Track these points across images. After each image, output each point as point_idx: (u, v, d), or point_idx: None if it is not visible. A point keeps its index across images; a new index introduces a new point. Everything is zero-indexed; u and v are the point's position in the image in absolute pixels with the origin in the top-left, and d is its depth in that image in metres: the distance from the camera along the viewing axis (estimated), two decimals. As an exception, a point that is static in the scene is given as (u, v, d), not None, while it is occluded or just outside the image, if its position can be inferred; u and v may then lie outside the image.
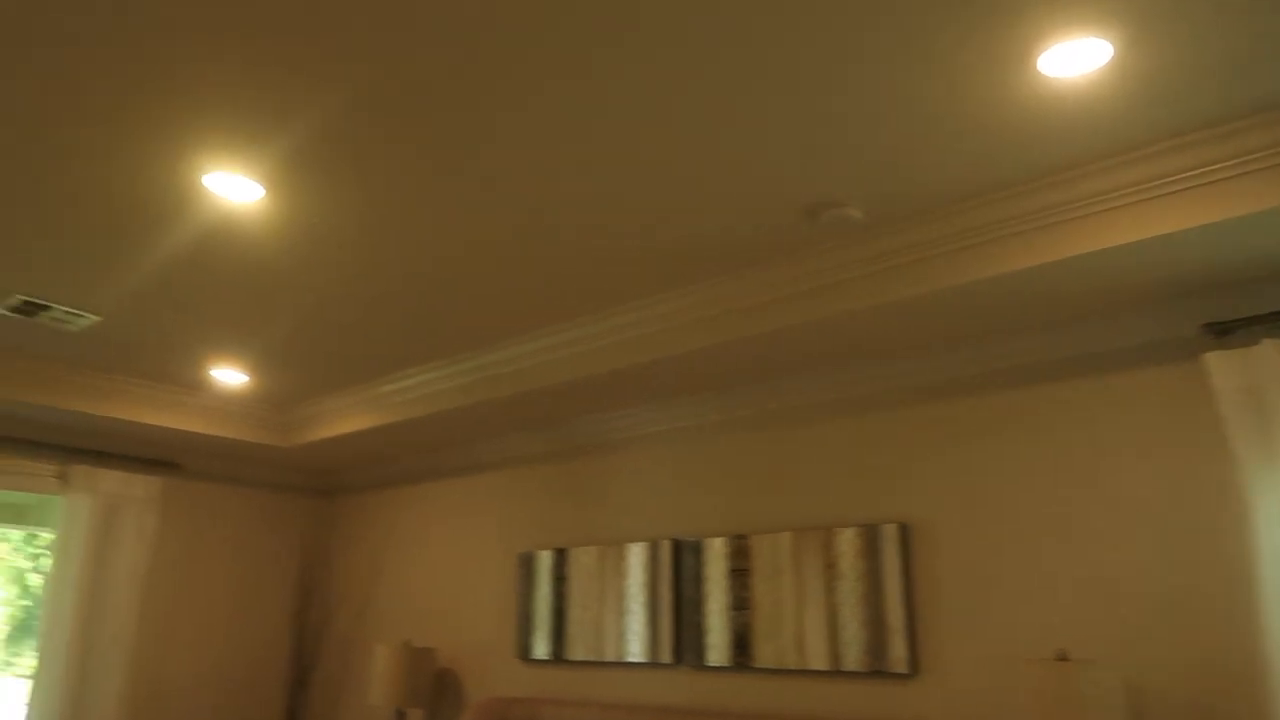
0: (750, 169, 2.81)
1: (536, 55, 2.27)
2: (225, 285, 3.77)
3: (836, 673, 3.75)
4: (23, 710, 5.04)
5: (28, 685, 5.15)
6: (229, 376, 4.95)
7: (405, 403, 4.91)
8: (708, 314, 3.70)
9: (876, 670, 3.62)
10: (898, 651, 3.58)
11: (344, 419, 5.25)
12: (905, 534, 3.70)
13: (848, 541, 3.82)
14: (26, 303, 3.99)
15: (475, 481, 5.46)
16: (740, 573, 4.10)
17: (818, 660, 3.78)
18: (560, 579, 4.79)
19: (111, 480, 5.38)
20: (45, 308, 4.04)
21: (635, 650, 4.38)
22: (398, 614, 5.66)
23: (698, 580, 4.25)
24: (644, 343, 3.90)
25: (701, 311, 3.71)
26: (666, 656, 4.25)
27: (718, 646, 4.09)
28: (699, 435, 4.49)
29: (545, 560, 4.89)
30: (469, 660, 5.15)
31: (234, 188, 2.94)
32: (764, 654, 3.94)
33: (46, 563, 8.91)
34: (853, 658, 3.70)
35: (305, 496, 6.36)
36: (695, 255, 3.42)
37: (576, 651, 4.62)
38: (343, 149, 2.73)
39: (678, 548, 4.37)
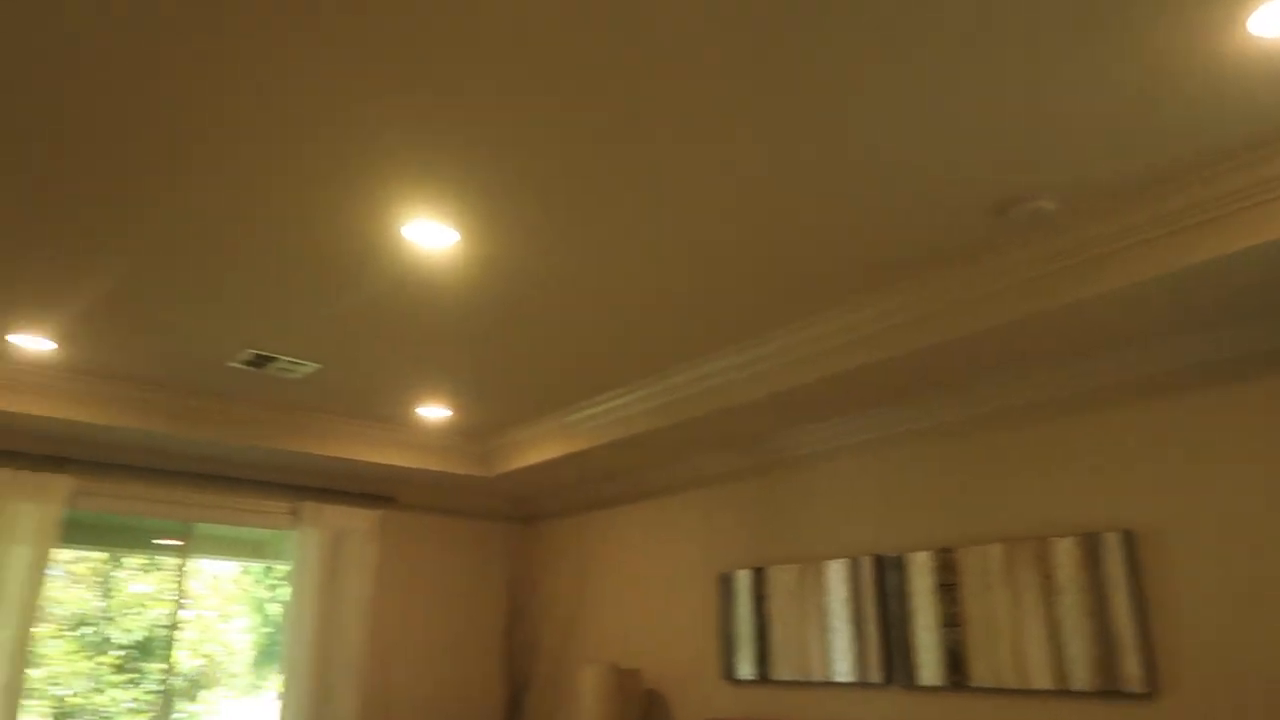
0: (933, 167, 2.72)
1: (710, 86, 2.30)
2: (426, 327, 4.01)
3: (1062, 692, 3.52)
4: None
5: (275, 705, 5.62)
6: (434, 413, 5.25)
7: (597, 428, 5.04)
8: (900, 320, 3.59)
9: (1108, 690, 3.38)
10: (1130, 669, 3.33)
11: (540, 447, 5.45)
12: (1130, 541, 3.44)
13: (1065, 552, 3.59)
14: (257, 356, 4.39)
15: (672, 502, 5.52)
16: (948, 588, 3.94)
17: (1040, 679, 3.57)
18: (760, 598, 4.76)
19: (336, 515, 5.82)
20: (272, 359, 4.43)
21: (842, 669, 4.28)
22: (603, 635, 5.78)
23: (902, 596, 4.11)
24: (835, 354, 3.83)
25: (894, 319, 3.61)
26: (876, 676, 4.13)
27: (929, 665, 3.94)
28: (897, 445, 4.36)
29: (744, 579, 4.87)
30: (674, 680, 5.19)
31: (430, 235, 3.13)
32: (980, 672, 3.76)
33: (283, 593, 9.71)
34: (1079, 676, 3.46)
35: (509, 523, 6.63)
36: (883, 261, 3.34)
37: (782, 671, 4.56)
38: (530, 188, 2.85)
39: (879, 564, 4.25)
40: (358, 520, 5.89)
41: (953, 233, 3.11)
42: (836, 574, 4.41)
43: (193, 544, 5.80)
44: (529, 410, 5.23)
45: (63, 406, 4.71)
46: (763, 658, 4.67)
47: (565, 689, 5.96)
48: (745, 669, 4.75)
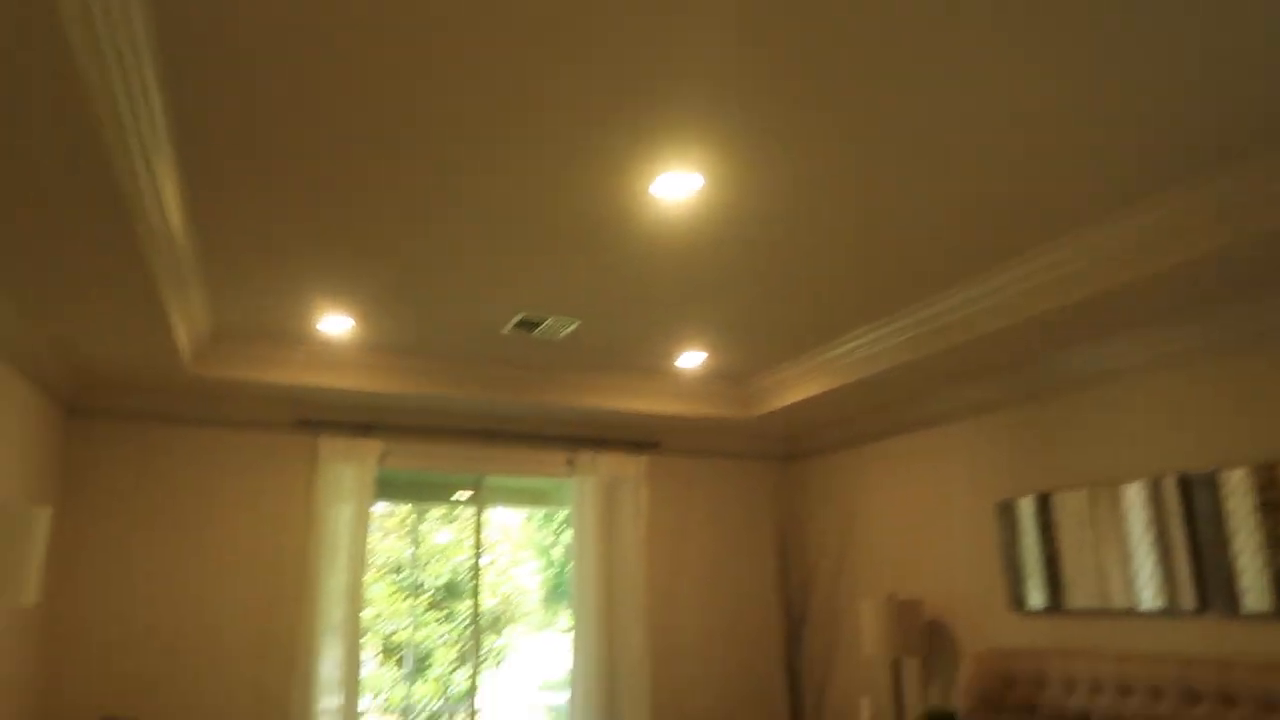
0: (1247, 24, 2.41)
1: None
2: (677, 276, 4.09)
3: None
4: (568, 659, 5.95)
5: (567, 640, 6.06)
6: (692, 359, 5.37)
7: (856, 363, 4.96)
8: (1194, 220, 3.23)
9: None
10: None
11: (800, 386, 5.44)
12: None
13: None
14: (525, 320, 4.68)
15: (941, 432, 5.34)
16: (1273, 506, 3.55)
17: (1397, 604, 3.16)
18: (1046, 525, 4.53)
19: (608, 462, 6.14)
20: (539, 321, 4.70)
21: (1146, 597, 4.00)
22: (878, 567, 5.75)
23: (1217, 518, 3.76)
24: (1119, 264, 3.51)
25: (1187, 219, 3.25)
26: (1188, 603, 3.83)
27: (1254, 590, 3.59)
28: (1196, 359, 3.96)
29: (1026, 507, 4.65)
30: (958, 611, 5.07)
31: (676, 185, 3.17)
32: (1318, 598, 3.38)
33: (565, 538, 10.50)
34: None
35: (773, 462, 6.70)
36: (1171, 153, 3.01)
37: (1076, 600, 4.34)
38: (773, 128, 2.82)
39: (1185, 484, 3.90)
40: (628, 467, 6.17)
41: (1267, 101, 2.74)
42: (1134, 497, 4.11)
43: (484, 495, 6.32)
44: (786, 349, 5.22)
45: (368, 379, 5.28)
46: (1054, 586, 4.46)
47: (843, 622, 5.99)
48: (1035, 598, 4.55)
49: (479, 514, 6.34)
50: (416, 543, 9.46)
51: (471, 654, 6.34)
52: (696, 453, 6.51)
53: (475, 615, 6.35)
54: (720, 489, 6.54)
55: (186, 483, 5.41)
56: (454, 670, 9.67)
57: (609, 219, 3.47)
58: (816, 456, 6.47)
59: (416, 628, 9.67)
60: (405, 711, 9.62)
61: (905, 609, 5.02)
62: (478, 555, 6.41)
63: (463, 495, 6.60)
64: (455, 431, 5.92)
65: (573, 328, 4.79)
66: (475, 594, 6.38)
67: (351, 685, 5.46)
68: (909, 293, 4.29)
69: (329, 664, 5.43)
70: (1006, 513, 4.76)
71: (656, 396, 5.80)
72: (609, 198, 3.28)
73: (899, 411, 5.58)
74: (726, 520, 6.51)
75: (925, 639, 5.11)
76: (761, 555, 6.53)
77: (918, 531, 5.43)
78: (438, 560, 9.90)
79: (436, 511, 9.90)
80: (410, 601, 9.67)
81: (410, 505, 8.93)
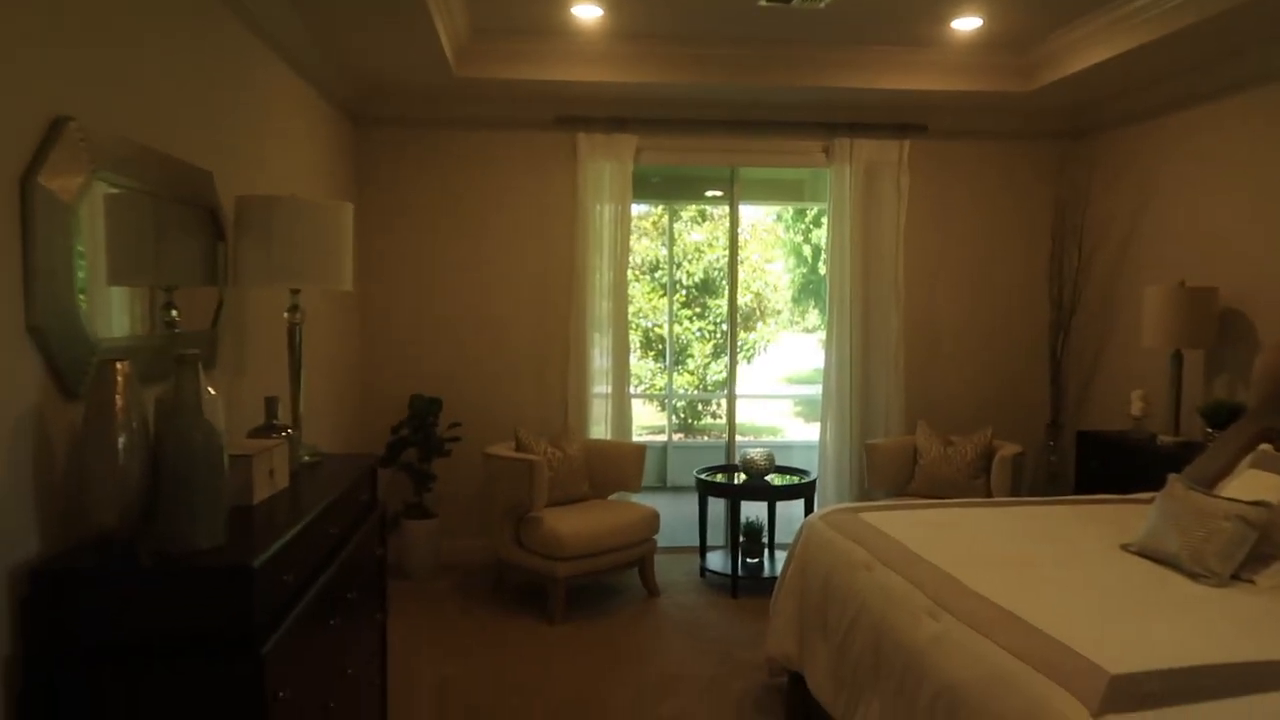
0: None
1: None
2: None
3: None
4: (819, 354, 6.06)
5: (814, 337, 6.15)
6: (966, 24, 4.83)
7: (1167, 14, 4.25)
8: None
9: None
10: None
11: (1092, 48, 4.78)
12: None
13: None
14: (783, -13, 4.33)
15: (1268, 93, 4.56)
16: None
17: None
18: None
19: (868, 148, 5.84)
20: (797, -10, 4.35)
21: None
22: (1168, 253, 5.26)
23: None
24: None
25: None
26: None
27: None
28: None
29: (1371, 174, 3.99)
30: (1259, 299, 4.60)
31: None
32: None
33: (814, 235, 10.44)
34: None
35: (1052, 141, 6.12)
36: None
37: None
38: None
39: None
40: (890, 152, 5.85)
41: None
42: None
43: (737, 190, 6.28)
44: (1075, 5, 4.55)
45: (620, 70, 5.21)
46: (1396, 265, 3.90)
47: (1121, 311, 5.63)
48: (1368, 279, 4.02)
49: (733, 209, 6.35)
50: (671, 242, 9.75)
51: (725, 347, 6.62)
52: (965, 134, 6.03)
53: (732, 310, 6.55)
54: (990, 174, 6.09)
55: (462, 184, 5.75)
56: (709, 363, 10.24)
57: None
58: (1108, 131, 5.80)
59: (675, 323, 10.22)
60: (665, 399, 10.41)
61: (1197, 296, 4.63)
62: (733, 251, 6.49)
63: (715, 193, 6.60)
64: (708, 122, 5.79)
65: (835, -6, 4.40)
66: (732, 289, 6.55)
67: (619, 372, 5.89)
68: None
69: (598, 353, 5.86)
70: (1344, 182, 4.12)
71: (923, 72, 5.33)
72: None
73: (1217, 71, 4.80)
74: (996, 207, 6.12)
75: (1214, 330, 4.72)
76: (1033, 243, 6.14)
77: (1226, 213, 4.84)
78: (691, 260, 10.21)
79: (689, 212, 10.07)
80: (666, 299, 10.16)
81: (664, 207, 9.12)
